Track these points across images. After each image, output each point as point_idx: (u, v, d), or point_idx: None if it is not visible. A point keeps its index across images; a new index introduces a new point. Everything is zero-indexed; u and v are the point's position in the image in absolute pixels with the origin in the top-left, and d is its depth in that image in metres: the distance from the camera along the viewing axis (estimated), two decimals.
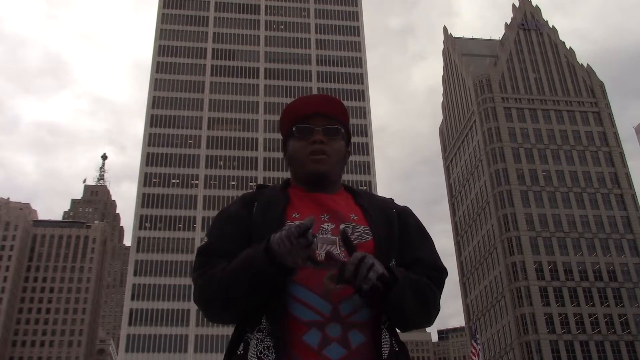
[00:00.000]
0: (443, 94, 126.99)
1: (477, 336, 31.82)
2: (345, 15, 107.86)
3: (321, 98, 2.24)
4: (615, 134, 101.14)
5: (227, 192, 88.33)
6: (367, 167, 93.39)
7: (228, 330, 73.23)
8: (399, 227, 2.18)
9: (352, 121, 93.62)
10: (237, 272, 1.90)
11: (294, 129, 2.22)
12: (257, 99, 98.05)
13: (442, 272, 2.16)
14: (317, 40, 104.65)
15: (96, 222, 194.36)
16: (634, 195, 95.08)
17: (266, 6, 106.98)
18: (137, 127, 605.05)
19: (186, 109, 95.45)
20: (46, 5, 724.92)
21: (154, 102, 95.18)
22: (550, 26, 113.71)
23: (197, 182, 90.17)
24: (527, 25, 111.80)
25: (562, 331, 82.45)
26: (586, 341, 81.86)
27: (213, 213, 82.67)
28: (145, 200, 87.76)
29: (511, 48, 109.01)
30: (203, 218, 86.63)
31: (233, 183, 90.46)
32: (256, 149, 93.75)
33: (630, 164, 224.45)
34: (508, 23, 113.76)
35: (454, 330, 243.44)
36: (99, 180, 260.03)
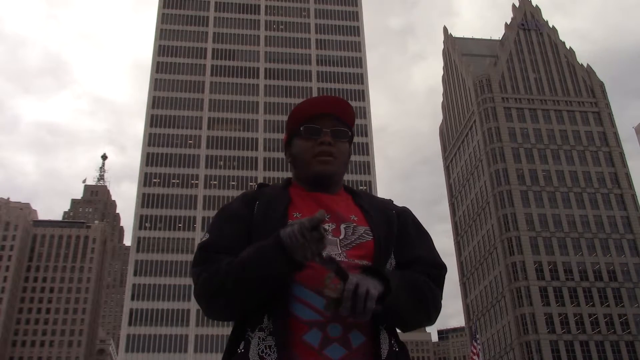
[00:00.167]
0: (443, 94, 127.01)
1: (477, 336, 31.80)
2: (345, 15, 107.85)
3: (331, 100, 2.24)
4: (615, 134, 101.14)
5: (227, 192, 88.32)
6: (367, 167, 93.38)
7: (228, 330, 73.13)
8: (398, 227, 2.19)
9: (355, 122, 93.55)
10: (247, 266, 1.89)
11: (301, 128, 2.22)
12: (257, 99, 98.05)
13: (442, 269, 2.17)
14: (317, 40, 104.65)
15: (96, 222, 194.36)
16: (634, 195, 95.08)
17: (266, 6, 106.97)
18: (137, 127, 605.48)
19: (186, 109, 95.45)
20: (46, 5, 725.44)
21: (154, 102, 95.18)
22: (550, 26, 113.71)
23: (197, 182, 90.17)
24: (527, 25, 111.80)
25: (562, 331, 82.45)
26: (586, 341, 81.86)
27: (213, 213, 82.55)
28: (145, 200, 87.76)
29: (511, 48, 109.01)
30: (203, 218, 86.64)
31: (233, 183, 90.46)
32: (256, 149, 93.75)
33: (630, 164, 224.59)
34: (508, 23, 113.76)
35: (454, 330, 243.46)
36: (99, 180, 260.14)
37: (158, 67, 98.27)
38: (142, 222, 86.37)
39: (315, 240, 1.78)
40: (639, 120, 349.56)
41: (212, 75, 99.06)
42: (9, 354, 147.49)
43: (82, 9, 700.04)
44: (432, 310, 2.07)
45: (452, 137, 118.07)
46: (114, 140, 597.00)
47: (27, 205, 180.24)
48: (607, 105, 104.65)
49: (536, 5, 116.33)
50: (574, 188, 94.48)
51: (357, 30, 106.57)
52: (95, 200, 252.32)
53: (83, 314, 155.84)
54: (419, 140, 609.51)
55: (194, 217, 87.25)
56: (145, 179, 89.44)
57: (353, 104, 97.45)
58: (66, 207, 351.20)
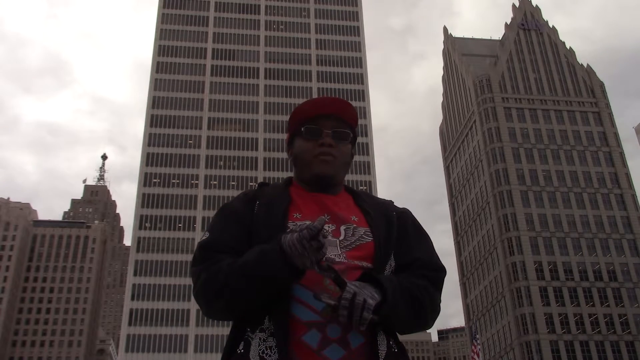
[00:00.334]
0: (443, 94, 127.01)
1: (477, 336, 31.85)
2: (345, 15, 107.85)
3: (334, 101, 2.23)
4: (615, 134, 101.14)
5: (227, 192, 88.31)
6: (367, 167, 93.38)
7: (228, 330, 72.68)
8: (398, 228, 2.19)
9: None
10: (248, 270, 1.89)
11: (302, 128, 2.22)
12: (257, 99, 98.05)
13: (441, 272, 2.16)
14: (317, 40, 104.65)
15: (96, 222, 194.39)
16: (634, 195, 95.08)
17: (266, 6, 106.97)
18: (137, 127, 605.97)
19: (186, 109, 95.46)
20: (46, 4, 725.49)
21: (154, 102, 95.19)
22: (550, 26, 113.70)
23: (197, 182, 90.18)
24: (527, 25, 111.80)
25: (562, 331, 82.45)
26: (586, 341, 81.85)
27: (213, 213, 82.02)
28: (145, 200, 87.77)
29: (511, 48, 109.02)
30: (203, 218, 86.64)
31: (233, 183, 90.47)
32: (256, 149, 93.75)
33: (630, 164, 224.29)
34: (508, 23, 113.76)
35: (454, 330, 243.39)
36: (99, 180, 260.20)
37: (158, 67, 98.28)
38: (142, 222, 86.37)
39: (314, 250, 1.79)
40: (639, 120, 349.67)
41: (212, 75, 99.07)
42: (9, 354, 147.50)
43: (82, 9, 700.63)
44: (430, 315, 2.06)
45: (452, 137, 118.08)
46: (114, 140, 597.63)
47: (27, 205, 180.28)
48: (607, 105, 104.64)
49: (536, 5, 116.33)
50: (574, 188, 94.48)
51: (357, 30, 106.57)
52: (95, 200, 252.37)
53: (83, 314, 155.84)
54: (419, 140, 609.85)
55: (194, 217, 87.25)
56: (145, 179, 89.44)
57: (353, 104, 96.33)
58: (66, 207, 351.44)
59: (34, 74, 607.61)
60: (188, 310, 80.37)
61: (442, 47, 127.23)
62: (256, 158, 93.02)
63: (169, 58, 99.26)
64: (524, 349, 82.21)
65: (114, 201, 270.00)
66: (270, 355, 1.86)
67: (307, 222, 2.00)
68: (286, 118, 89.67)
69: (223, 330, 77.35)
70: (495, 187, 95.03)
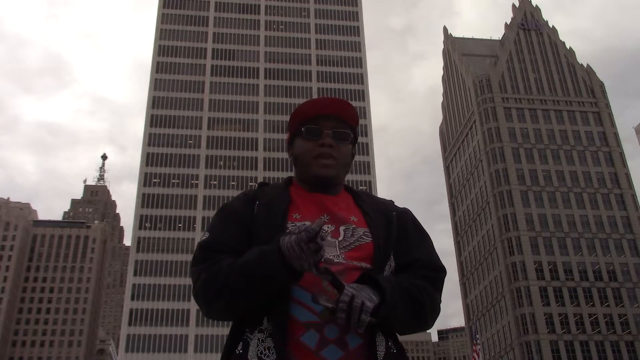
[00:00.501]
0: (443, 94, 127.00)
1: (477, 336, 31.85)
2: (345, 15, 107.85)
3: (333, 101, 2.23)
4: (615, 134, 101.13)
5: (227, 192, 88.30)
6: (367, 167, 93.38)
7: (228, 330, 72.82)
8: (398, 228, 2.18)
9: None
10: (247, 271, 1.90)
11: (303, 129, 2.22)
12: (257, 99, 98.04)
13: (441, 272, 2.16)
14: (317, 40, 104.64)
15: (96, 222, 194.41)
16: (634, 195, 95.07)
17: (266, 6, 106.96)
18: (137, 127, 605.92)
19: (186, 109, 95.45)
20: (46, 4, 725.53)
21: (154, 102, 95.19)
22: (550, 26, 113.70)
23: (197, 182, 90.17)
24: (527, 25, 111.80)
25: (562, 331, 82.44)
26: (586, 341, 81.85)
27: (213, 213, 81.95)
28: (145, 200, 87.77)
29: (511, 48, 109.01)
30: (203, 218, 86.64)
31: (233, 183, 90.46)
32: (256, 149, 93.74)
33: (630, 164, 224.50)
34: (508, 23, 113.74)
35: (454, 330, 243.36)
36: (99, 180, 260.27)
37: (158, 67, 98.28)
38: (142, 222, 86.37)
39: (312, 252, 1.79)
40: (639, 120, 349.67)
41: (212, 75, 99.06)
42: (9, 354, 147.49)
43: (82, 9, 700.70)
44: (430, 315, 2.06)
45: (452, 137, 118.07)
46: (114, 140, 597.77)
47: (27, 205, 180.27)
48: (607, 105, 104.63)
49: (536, 5, 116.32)
50: (574, 188, 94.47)
51: (357, 30, 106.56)
52: (95, 200, 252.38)
53: (83, 314, 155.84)
54: (420, 140, 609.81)
55: (194, 217, 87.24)
56: (145, 179, 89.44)
57: (353, 104, 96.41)
58: (66, 207, 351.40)
59: (34, 74, 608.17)
60: (188, 310, 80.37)
61: (442, 47, 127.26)
62: (256, 158, 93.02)
63: (169, 58, 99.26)
64: (524, 349, 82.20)
65: (114, 201, 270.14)
66: (268, 356, 1.86)
67: (306, 223, 2.00)
68: (286, 118, 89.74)
69: (223, 330, 77.34)
70: (495, 187, 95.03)
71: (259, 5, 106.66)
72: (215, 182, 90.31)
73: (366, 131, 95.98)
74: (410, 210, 2.34)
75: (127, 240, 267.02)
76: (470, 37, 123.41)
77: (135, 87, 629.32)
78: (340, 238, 2.06)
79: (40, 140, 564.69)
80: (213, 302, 1.96)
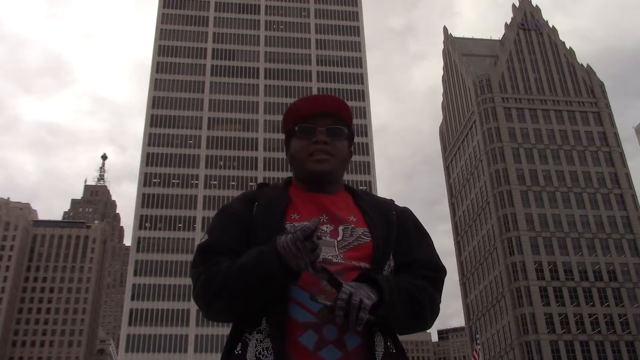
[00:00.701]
0: (443, 94, 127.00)
1: (477, 336, 31.85)
2: (345, 15, 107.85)
3: (325, 98, 2.23)
4: (615, 134, 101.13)
5: (227, 192, 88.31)
6: (367, 167, 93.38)
7: (228, 330, 72.18)
8: (398, 228, 2.17)
9: (353, 121, 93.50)
10: (244, 271, 1.90)
11: (296, 128, 2.22)
12: (257, 99, 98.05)
13: (441, 272, 2.15)
14: (317, 40, 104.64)
15: (96, 222, 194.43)
16: (634, 195, 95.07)
17: (266, 6, 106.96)
18: (137, 127, 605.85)
19: (186, 109, 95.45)
20: (46, 4, 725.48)
21: (154, 102, 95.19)
22: (550, 26, 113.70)
23: (197, 182, 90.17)
24: (527, 25, 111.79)
25: (562, 331, 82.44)
26: (586, 341, 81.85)
27: (213, 213, 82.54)
28: (145, 200, 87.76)
29: (511, 48, 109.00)
30: (203, 218, 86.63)
31: (233, 183, 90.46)
32: (256, 149, 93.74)
33: (630, 164, 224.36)
34: (508, 23, 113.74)
35: (454, 330, 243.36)
36: (99, 180, 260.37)
37: (158, 67, 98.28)
38: (142, 222, 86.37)
39: (308, 251, 1.79)
40: (639, 120, 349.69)
41: (212, 75, 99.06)
42: (9, 354, 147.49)
43: (82, 9, 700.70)
44: (429, 315, 2.05)
45: (452, 137, 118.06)
46: (114, 140, 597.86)
47: (27, 205, 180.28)
48: (607, 105, 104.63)
49: (536, 5, 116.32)
50: (574, 188, 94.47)
51: (357, 30, 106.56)
52: (95, 200, 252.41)
53: (83, 314, 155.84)
54: (420, 140, 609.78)
55: (194, 217, 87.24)
56: (145, 179, 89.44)
57: (353, 104, 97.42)
58: (66, 207, 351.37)
59: (34, 74, 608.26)
60: (188, 310, 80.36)
61: (442, 47, 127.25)
62: (256, 158, 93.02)
63: (169, 58, 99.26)
64: (524, 349, 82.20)
65: (114, 201, 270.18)
66: (266, 356, 1.87)
67: (305, 223, 1.98)
68: None
69: (223, 330, 77.34)
70: (495, 187, 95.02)
71: (259, 5, 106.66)
72: (215, 182, 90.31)
73: (366, 131, 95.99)
74: (411, 210, 2.32)
75: (127, 240, 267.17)
76: (470, 37, 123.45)
77: (135, 87, 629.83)
78: (339, 238, 2.05)
79: (40, 140, 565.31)
80: (212, 303, 1.96)
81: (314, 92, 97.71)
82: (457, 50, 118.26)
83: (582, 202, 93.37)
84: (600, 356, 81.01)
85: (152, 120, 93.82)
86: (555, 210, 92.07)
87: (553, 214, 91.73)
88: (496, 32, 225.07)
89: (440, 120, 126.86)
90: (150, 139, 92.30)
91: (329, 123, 2.20)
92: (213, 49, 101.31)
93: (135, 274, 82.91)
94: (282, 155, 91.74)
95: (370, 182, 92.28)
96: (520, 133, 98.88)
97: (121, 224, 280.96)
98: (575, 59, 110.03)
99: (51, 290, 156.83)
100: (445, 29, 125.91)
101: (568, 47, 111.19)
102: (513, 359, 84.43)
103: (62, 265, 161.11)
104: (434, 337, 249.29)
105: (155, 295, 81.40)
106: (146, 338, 78.87)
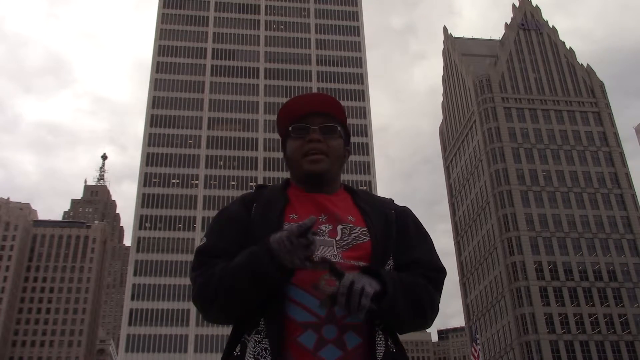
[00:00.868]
0: (443, 94, 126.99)
1: (477, 336, 31.84)
2: (345, 15, 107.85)
3: (316, 97, 2.22)
4: (615, 134, 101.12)
5: (227, 192, 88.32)
6: (367, 167, 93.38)
7: (228, 330, 72.28)
8: (397, 227, 2.16)
9: (353, 121, 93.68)
10: (238, 271, 1.89)
11: (290, 128, 2.21)
12: (257, 99, 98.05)
13: (441, 272, 2.14)
14: (317, 40, 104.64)
15: (96, 222, 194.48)
16: (634, 195, 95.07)
17: (266, 6, 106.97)
18: (137, 127, 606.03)
19: (186, 109, 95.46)
20: (47, 4, 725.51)
21: (154, 102, 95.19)
22: (550, 26, 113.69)
23: (197, 182, 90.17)
24: (527, 25, 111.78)
25: (562, 331, 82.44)
26: (586, 341, 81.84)
27: (213, 213, 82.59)
28: (145, 200, 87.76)
29: (511, 48, 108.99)
30: (203, 218, 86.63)
31: (233, 183, 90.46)
32: (256, 149, 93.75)
33: (630, 164, 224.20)
34: (508, 23, 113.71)
35: (454, 330, 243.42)
36: (99, 180, 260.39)
37: (158, 67, 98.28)
38: (142, 222, 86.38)
39: (303, 247, 1.78)
40: (639, 120, 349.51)
41: (212, 75, 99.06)
42: (9, 354, 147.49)
43: (82, 9, 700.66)
44: (429, 314, 2.04)
45: (452, 137, 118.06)
46: (115, 140, 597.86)
47: (27, 205, 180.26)
48: (607, 105, 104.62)
49: (536, 5, 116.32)
50: (574, 188, 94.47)
51: (357, 30, 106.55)
52: (95, 200, 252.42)
53: (83, 314, 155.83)
54: (420, 140, 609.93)
55: (194, 217, 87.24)
56: (145, 179, 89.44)
57: (353, 104, 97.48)
58: (66, 207, 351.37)
59: (34, 74, 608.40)
60: (188, 310, 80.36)
61: (442, 47, 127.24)
62: (256, 158, 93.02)
63: (169, 58, 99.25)
64: (524, 349, 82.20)
65: (114, 201, 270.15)
66: (264, 357, 1.86)
67: None
68: None
69: (223, 330, 77.34)
70: (495, 187, 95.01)
71: (259, 5, 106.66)
72: (215, 182, 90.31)
73: (366, 131, 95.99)
74: (410, 209, 2.31)
75: (127, 240, 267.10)
76: (470, 37, 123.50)
77: (135, 87, 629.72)
78: (338, 237, 2.04)
79: (41, 140, 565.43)
80: (209, 305, 1.96)
81: (314, 91, 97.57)
82: (457, 50, 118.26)
83: (582, 202, 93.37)
84: (600, 356, 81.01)
85: (152, 120, 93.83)
86: (555, 210, 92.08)
87: (553, 214, 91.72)
88: (496, 32, 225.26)
89: (440, 120, 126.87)
90: (150, 139, 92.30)
91: (322, 121, 2.19)
92: (213, 49, 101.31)
93: (135, 274, 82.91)
94: (282, 155, 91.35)
95: (370, 182, 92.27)
96: (520, 133, 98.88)
97: (121, 224, 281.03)
98: (575, 59, 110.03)
99: (51, 290, 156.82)
100: (445, 29, 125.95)
101: (568, 47, 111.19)
102: (513, 359, 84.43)
103: (62, 265, 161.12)
104: (434, 337, 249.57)
105: (155, 295, 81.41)
106: (146, 338, 78.88)
